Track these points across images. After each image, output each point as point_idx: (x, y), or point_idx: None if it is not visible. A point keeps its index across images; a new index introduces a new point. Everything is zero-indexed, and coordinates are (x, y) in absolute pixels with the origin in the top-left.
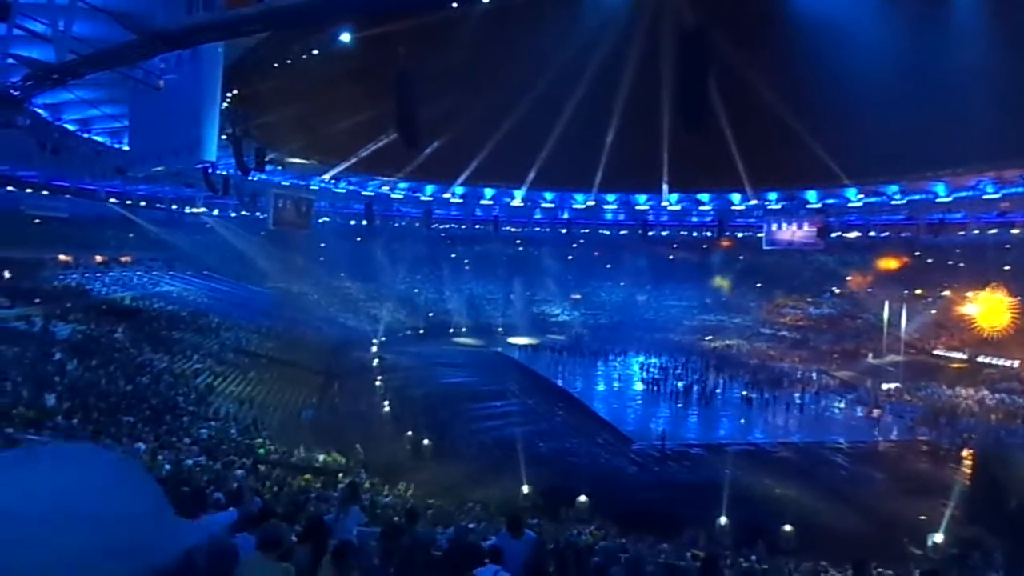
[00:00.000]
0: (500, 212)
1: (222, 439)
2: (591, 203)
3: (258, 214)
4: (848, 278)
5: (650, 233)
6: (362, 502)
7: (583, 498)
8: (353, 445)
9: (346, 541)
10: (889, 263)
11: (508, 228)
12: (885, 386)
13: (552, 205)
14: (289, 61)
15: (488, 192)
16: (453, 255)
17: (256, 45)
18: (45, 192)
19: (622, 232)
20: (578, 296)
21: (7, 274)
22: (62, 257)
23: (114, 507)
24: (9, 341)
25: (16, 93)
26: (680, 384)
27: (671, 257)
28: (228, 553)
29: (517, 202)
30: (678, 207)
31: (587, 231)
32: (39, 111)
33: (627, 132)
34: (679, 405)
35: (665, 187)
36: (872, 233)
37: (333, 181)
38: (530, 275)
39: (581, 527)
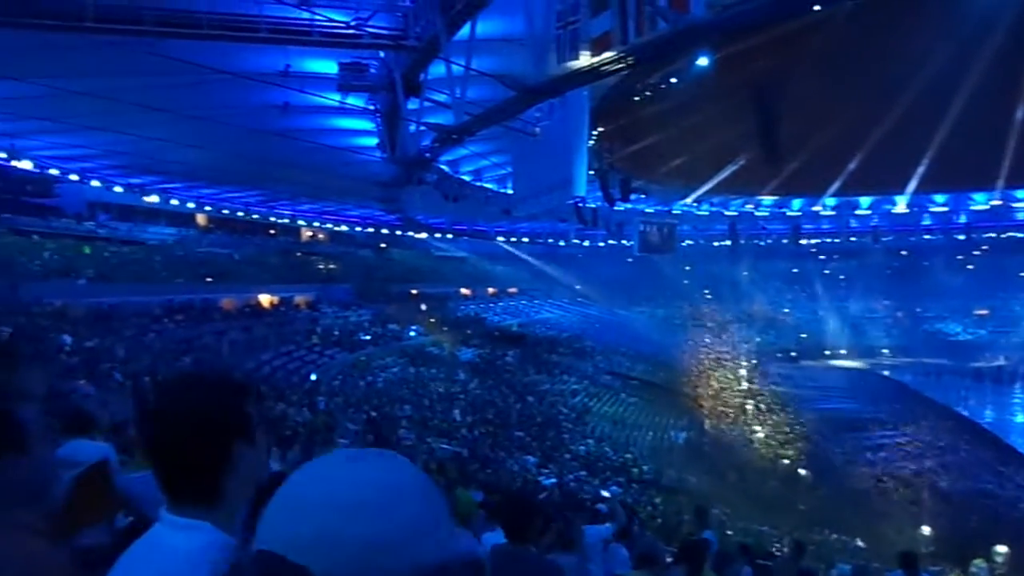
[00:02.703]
0: (880, 221)
1: (599, 456)
2: (996, 202)
3: (624, 242)
4: None
5: None
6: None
7: (1002, 548)
8: (723, 470)
9: None
10: None
11: (889, 238)
12: None
13: (944, 208)
14: (648, 93)
15: (864, 201)
16: (826, 271)
17: (616, 83)
18: (449, 235)
19: None
20: (984, 311)
21: (423, 306)
22: (463, 290)
23: (402, 509)
24: (426, 363)
25: (427, 155)
26: None
27: None
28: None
29: (900, 208)
30: None
31: (992, 235)
32: (443, 167)
33: None
34: None
35: None
36: None
37: (695, 204)
38: (919, 289)
39: None
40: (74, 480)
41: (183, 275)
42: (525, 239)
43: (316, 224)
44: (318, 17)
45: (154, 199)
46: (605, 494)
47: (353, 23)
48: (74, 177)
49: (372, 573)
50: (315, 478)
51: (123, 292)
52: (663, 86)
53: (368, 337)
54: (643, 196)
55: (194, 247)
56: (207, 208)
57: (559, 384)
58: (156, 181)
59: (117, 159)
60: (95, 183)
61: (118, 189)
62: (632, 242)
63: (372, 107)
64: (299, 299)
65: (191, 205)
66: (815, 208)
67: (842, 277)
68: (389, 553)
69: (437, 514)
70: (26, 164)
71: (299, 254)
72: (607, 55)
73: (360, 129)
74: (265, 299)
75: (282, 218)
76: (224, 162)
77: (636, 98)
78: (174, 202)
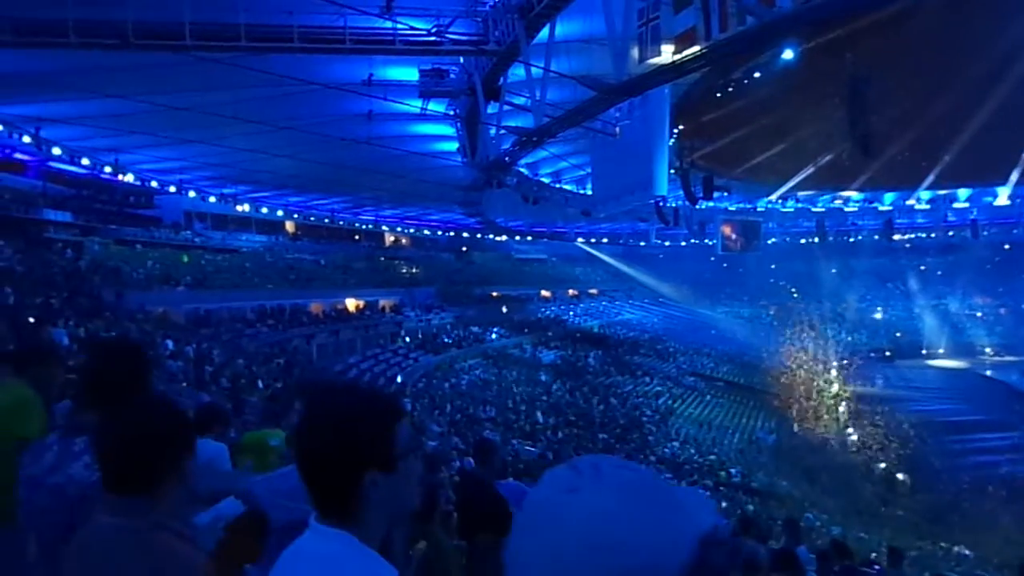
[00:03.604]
0: (979, 214)
1: (685, 459)
2: None
3: (707, 241)
4: None
5: None
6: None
7: None
8: (816, 474)
9: None
10: None
11: (990, 231)
12: None
13: None
14: (730, 88)
15: (962, 193)
16: (922, 267)
17: (698, 79)
18: (529, 238)
19: None
20: None
21: (504, 309)
22: (543, 292)
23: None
24: (508, 365)
25: (507, 158)
26: None
27: None
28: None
29: (1001, 200)
30: None
31: None
32: (522, 169)
33: None
34: None
35: None
36: None
37: (780, 201)
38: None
39: None
40: (226, 530)
41: (273, 281)
42: (605, 240)
43: (399, 229)
44: (400, 26)
45: (245, 208)
46: None
47: (434, 30)
48: (172, 189)
49: None
50: (558, 519)
51: (218, 298)
52: (746, 81)
53: (450, 340)
54: (726, 194)
55: (283, 253)
56: (295, 215)
57: (642, 386)
58: (247, 190)
59: (211, 170)
60: (192, 194)
61: (212, 199)
62: (715, 241)
63: (452, 112)
64: (384, 303)
65: (280, 213)
66: (909, 202)
67: (939, 273)
68: (658, 572)
69: (676, 513)
70: (129, 177)
71: (383, 258)
72: (691, 51)
73: (441, 134)
74: (351, 303)
75: (366, 224)
76: (311, 170)
77: (718, 94)
78: (264, 210)
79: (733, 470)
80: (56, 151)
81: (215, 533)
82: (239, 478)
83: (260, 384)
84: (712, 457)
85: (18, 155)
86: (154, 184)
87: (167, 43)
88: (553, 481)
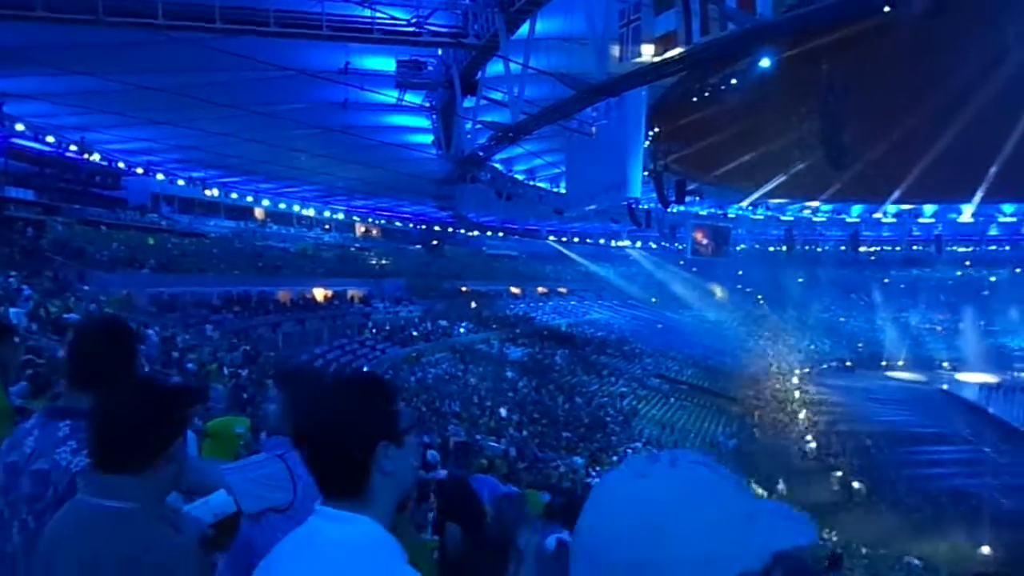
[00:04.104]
0: (944, 230)
1: None
2: None
3: (677, 245)
4: None
5: None
6: None
7: None
8: (775, 479)
9: None
10: None
11: (953, 248)
12: None
13: (1014, 219)
14: (707, 93)
15: (928, 209)
16: (885, 280)
17: (675, 82)
18: (500, 234)
19: None
20: None
21: (473, 304)
22: (513, 289)
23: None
24: (476, 360)
25: (481, 153)
26: None
27: None
28: None
29: (965, 217)
30: None
31: None
32: (496, 165)
33: None
34: None
35: None
36: None
37: (751, 208)
38: (983, 301)
39: None
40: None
41: (240, 267)
42: (576, 239)
43: (370, 220)
44: (379, 14)
45: (214, 192)
46: None
47: (413, 20)
48: (140, 170)
49: None
50: (616, 503)
51: (184, 283)
52: (723, 87)
53: (418, 333)
54: (698, 199)
55: (251, 240)
56: (264, 202)
57: (607, 386)
58: (217, 175)
59: (181, 153)
60: (159, 176)
61: (181, 182)
62: (685, 245)
63: (428, 104)
64: (352, 293)
65: (249, 199)
66: (876, 215)
67: (902, 286)
68: (704, 567)
69: (740, 517)
70: (95, 157)
71: (353, 249)
72: (671, 54)
73: (416, 126)
74: (319, 292)
75: (337, 213)
76: (282, 157)
77: (695, 98)
78: (233, 195)
79: None
80: (19, 127)
81: (200, 525)
82: (213, 470)
83: (225, 371)
84: None
85: None
86: (121, 165)
87: (139, 21)
88: (630, 465)
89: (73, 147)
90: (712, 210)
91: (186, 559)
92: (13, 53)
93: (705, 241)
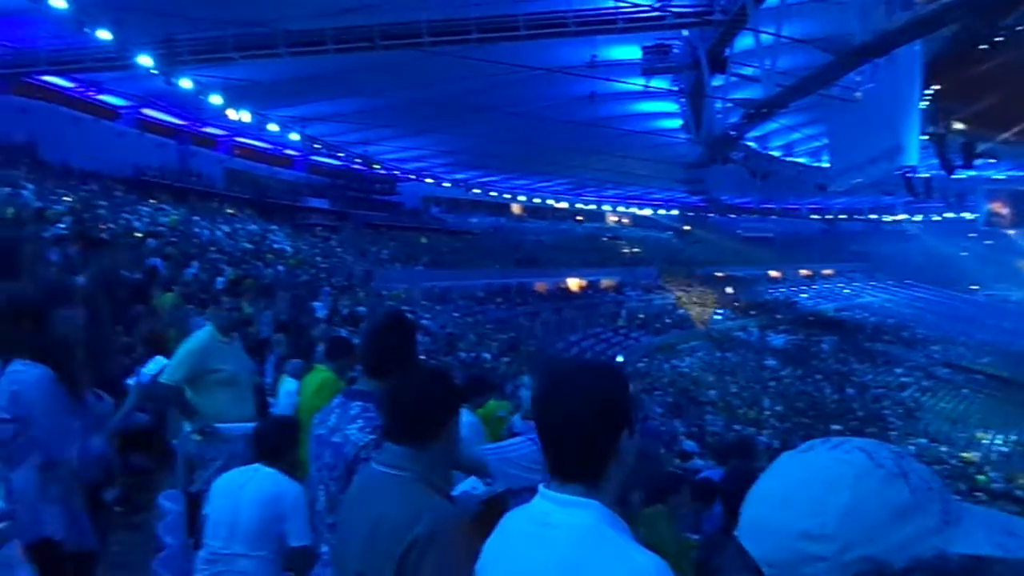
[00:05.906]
0: None
1: (933, 458)
2: None
3: (965, 215)
4: None
5: None
6: None
7: None
8: None
9: None
10: None
11: None
12: None
13: None
14: (999, 38)
15: None
16: None
17: (955, 32)
18: (756, 215)
19: None
20: None
21: (729, 289)
22: (772, 273)
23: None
24: (733, 348)
25: (734, 132)
26: None
27: None
28: None
29: None
30: None
31: None
32: (750, 144)
33: None
34: None
35: None
36: None
37: None
38: None
39: None
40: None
41: (500, 261)
42: (842, 216)
43: (621, 208)
44: (621, 4)
45: (476, 191)
46: None
47: (657, 5)
48: (412, 176)
49: (803, 562)
50: (770, 470)
51: (452, 277)
52: (1019, 27)
53: (672, 320)
54: (991, 161)
55: (510, 235)
56: (520, 197)
57: (884, 376)
58: (477, 175)
59: (446, 158)
60: (428, 180)
61: (447, 184)
62: (976, 215)
63: (676, 88)
64: (605, 282)
65: (507, 196)
66: None
67: None
68: (817, 543)
69: (882, 508)
70: (376, 167)
71: (605, 238)
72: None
73: (664, 112)
74: (574, 282)
75: (588, 204)
76: (537, 154)
77: (983, 46)
78: (492, 193)
79: (993, 475)
80: (316, 146)
81: (472, 501)
82: (475, 451)
83: (488, 358)
84: (969, 460)
85: (288, 151)
86: (396, 173)
87: (408, 42)
88: (807, 442)
89: (359, 160)
90: (1010, 173)
91: (453, 531)
92: (310, 82)
93: (1004, 210)
